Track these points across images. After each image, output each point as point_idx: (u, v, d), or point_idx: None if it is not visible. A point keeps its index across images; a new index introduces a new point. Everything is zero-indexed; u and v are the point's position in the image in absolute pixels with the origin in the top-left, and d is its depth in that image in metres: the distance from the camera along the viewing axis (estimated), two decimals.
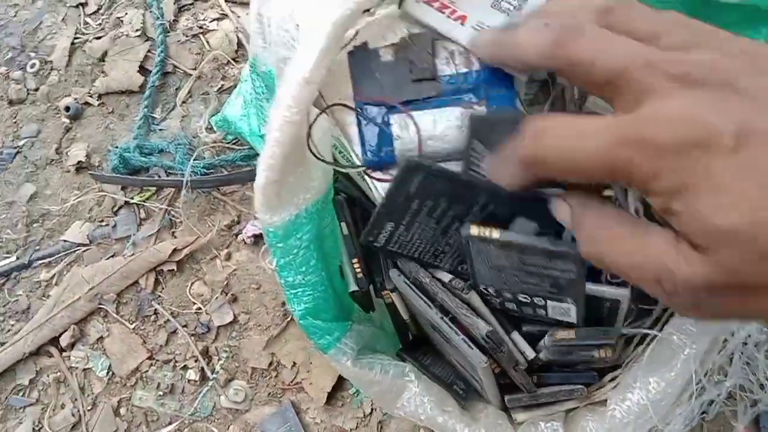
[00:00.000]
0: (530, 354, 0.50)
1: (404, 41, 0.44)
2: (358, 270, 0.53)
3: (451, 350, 0.52)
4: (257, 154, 0.74)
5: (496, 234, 0.40)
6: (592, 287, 0.44)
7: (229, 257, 0.73)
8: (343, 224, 0.53)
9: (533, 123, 0.29)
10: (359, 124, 0.44)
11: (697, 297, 0.26)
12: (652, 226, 0.28)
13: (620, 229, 0.29)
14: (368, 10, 0.50)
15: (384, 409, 0.63)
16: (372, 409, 0.67)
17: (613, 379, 0.51)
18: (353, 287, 0.52)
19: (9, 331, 0.74)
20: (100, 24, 0.82)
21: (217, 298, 0.71)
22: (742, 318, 0.27)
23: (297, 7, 0.53)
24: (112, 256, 0.74)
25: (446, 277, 0.48)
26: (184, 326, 0.71)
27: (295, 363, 0.69)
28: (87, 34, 0.82)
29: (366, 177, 0.46)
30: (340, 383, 0.68)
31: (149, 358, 0.70)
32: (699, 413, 0.49)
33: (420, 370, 0.53)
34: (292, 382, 0.69)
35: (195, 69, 0.79)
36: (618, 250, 0.29)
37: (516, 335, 0.51)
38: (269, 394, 0.69)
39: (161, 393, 0.70)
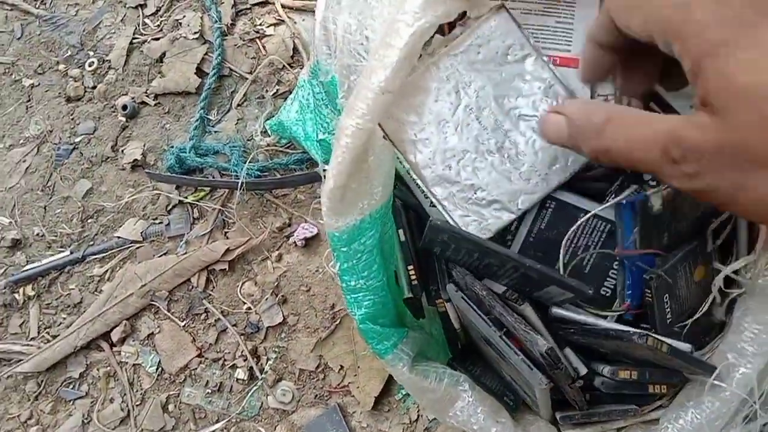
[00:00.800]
0: (582, 370, 0.50)
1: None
2: (413, 277, 0.54)
3: (504, 364, 0.53)
4: (310, 159, 0.75)
5: None
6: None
7: (279, 259, 0.73)
8: (401, 231, 0.54)
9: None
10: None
11: (702, 163, 0.27)
12: (657, 114, 0.30)
13: (628, 114, 0.31)
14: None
15: (436, 417, 0.63)
16: (418, 416, 0.67)
17: (664, 398, 0.51)
18: (407, 294, 0.53)
19: (61, 324, 0.75)
20: (158, 25, 0.84)
21: (267, 299, 0.72)
22: (733, 200, 0.28)
23: (367, 17, 0.54)
24: (165, 254, 0.75)
25: (500, 288, 0.49)
26: (234, 325, 0.72)
27: (342, 366, 0.69)
28: (145, 34, 0.84)
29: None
30: (387, 389, 0.68)
31: (198, 356, 0.71)
32: None
33: (473, 380, 0.53)
34: (339, 385, 0.69)
35: (251, 73, 0.80)
36: (625, 132, 0.31)
37: (569, 351, 0.51)
38: (316, 396, 0.69)
39: (209, 391, 0.70)
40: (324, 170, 0.70)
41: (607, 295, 0.50)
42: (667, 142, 0.28)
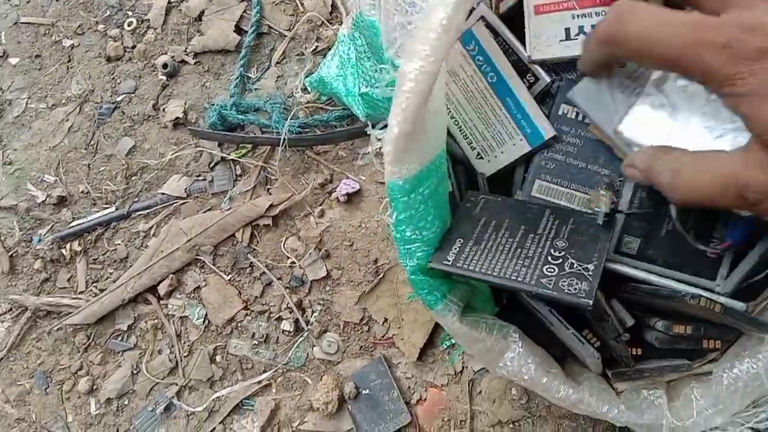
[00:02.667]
0: (629, 321, 0.51)
1: None
2: None
3: (550, 318, 0.53)
4: (351, 115, 0.75)
5: None
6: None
7: (322, 215, 0.74)
8: (448, 182, 0.54)
9: (620, 4, 0.32)
10: None
11: None
12: (711, 154, 0.32)
13: (687, 163, 0.34)
14: None
15: (486, 367, 0.64)
16: (463, 367, 0.68)
17: (717, 350, 0.51)
18: None
19: (108, 278, 0.76)
20: None
21: (310, 253, 0.73)
22: None
23: None
24: (209, 210, 0.76)
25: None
26: (279, 279, 0.73)
27: (386, 319, 0.70)
28: None
29: None
30: (431, 340, 0.69)
31: (244, 308, 0.73)
32: None
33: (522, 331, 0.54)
34: (383, 337, 0.70)
35: (290, 30, 0.80)
36: (696, 185, 0.33)
37: (616, 303, 0.51)
38: (361, 347, 0.70)
39: (256, 342, 0.72)
40: (368, 123, 0.70)
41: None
42: (737, 189, 0.30)
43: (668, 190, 0.36)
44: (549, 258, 0.46)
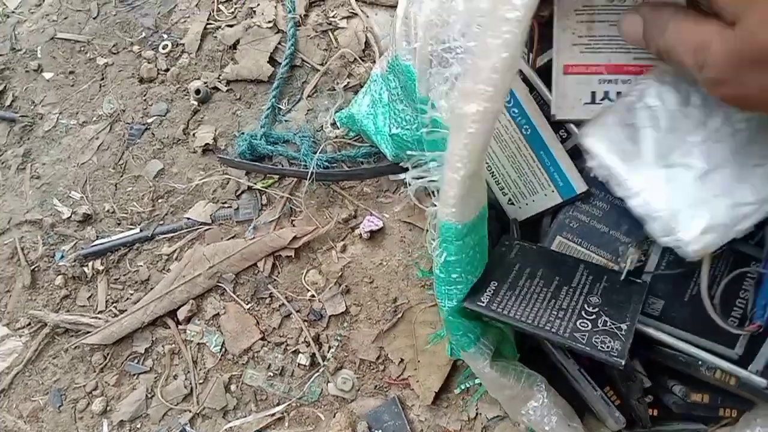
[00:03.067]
0: (647, 383, 0.51)
1: None
2: None
3: (576, 375, 0.53)
4: (378, 152, 0.76)
5: None
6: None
7: (344, 249, 0.75)
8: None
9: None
10: None
11: (724, 70, 0.30)
12: (706, 17, 0.33)
13: (681, 16, 0.35)
14: None
15: (508, 414, 0.64)
16: (477, 413, 0.68)
17: (732, 417, 0.51)
18: None
19: (128, 299, 0.77)
20: (232, 12, 0.85)
21: (330, 288, 0.73)
22: (760, 99, 0.31)
23: (450, 11, 0.54)
24: (233, 238, 0.76)
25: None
26: (298, 311, 0.73)
27: (402, 359, 0.71)
28: (219, 21, 0.85)
29: None
30: (447, 384, 0.69)
31: (262, 339, 0.73)
32: None
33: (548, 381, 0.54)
34: (398, 377, 0.70)
35: (323, 65, 0.81)
36: (674, 32, 0.34)
37: (637, 363, 0.52)
38: (376, 386, 0.71)
39: (271, 374, 0.72)
40: (400, 164, 0.71)
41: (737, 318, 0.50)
42: (697, 47, 0.32)
43: (658, 37, 0.37)
44: (583, 312, 0.47)
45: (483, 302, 0.47)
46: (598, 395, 0.50)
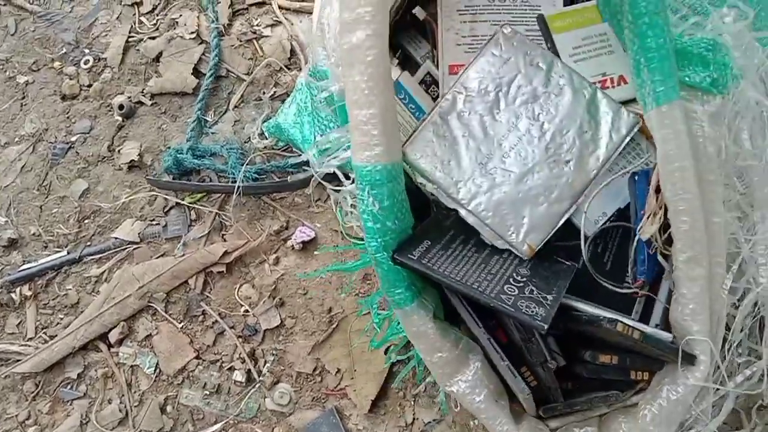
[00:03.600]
0: (561, 362, 0.51)
1: None
2: None
3: (488, 347, 0.53)
4: (307, 162, 0.75)
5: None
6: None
7: (277, 262, 0.74)
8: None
9: None
10: None
11: None
12: None
13: None
14: None
15: (438, 382, 0.62)
16: (414, 419, 0.68)
17: (644, 381, 0.51)
18: None
19: (58, 324, 0.75)
20: (154, 24, 0.83)
21: (264, 301, 0.73)
22: None
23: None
24: (162, 256, 0.75)
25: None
26: (232, 328, 0.72)
27: (339, 369, 0.70)
28: (141, 33, 0.83)
29: None
30: (384, 391, 0.69)
31: (196, 357, 0.72)
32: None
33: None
34: (336, 387, 0.70)
35: (248, 74, 0.80)
36: None
37: (551, 340, 0.52)
38: (313, 398, 0.70)
39: (207, 392, 0.71)
40: (316, 146, 0.70)
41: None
42: None
43: None
44: (511, 279, 0.47)
45: (414, 256, 0.46)
46: (506, 365, 0.50)
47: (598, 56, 0.53)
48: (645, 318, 0.51)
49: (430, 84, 0.61)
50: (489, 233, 0.48)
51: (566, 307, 0.50)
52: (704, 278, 0.44)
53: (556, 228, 0.48)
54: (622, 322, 0.45)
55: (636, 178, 0.48)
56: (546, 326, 0.43)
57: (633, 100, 0.51)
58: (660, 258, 0.48)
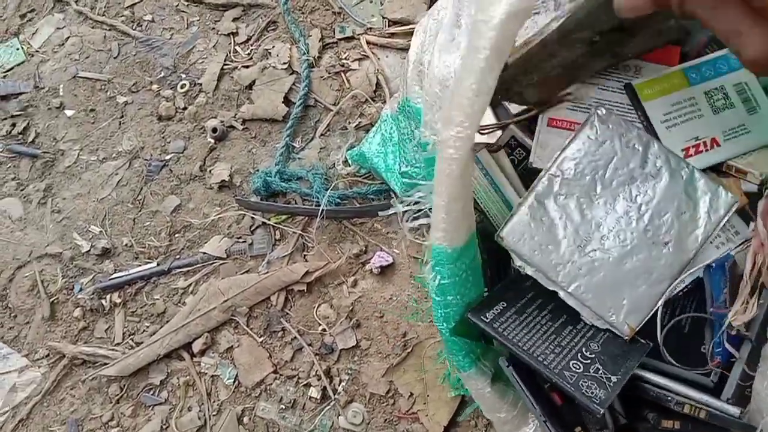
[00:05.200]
0: (622, 420, 0.52)
1: None
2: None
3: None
4: (388, 190, 0.79)
5: None
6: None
7: (355, 284, 0.77)
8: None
9: None
10: None
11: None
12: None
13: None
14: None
15: None
16: None
17: None
18: None
19: (144, 332, 0.79)
20: (248, 54, 0.89)
21: (341, 322, 0.75)
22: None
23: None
24: (247, 272, 0.79)
25: None
26: (309, 345, 0.75)
27: (412, 393, 0.72)
28: (236, 62, 0.89)
29: None
30: (455, 418, 0.71)
31: (274, 372, 0.75)
32: None
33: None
34: (408, 411, 0.72)
35: (335, 105, 0.84)
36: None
37: (616, 402, 0.53)
38: (385, 420, 0.72)
39: (283, 407, 0.74)
40: (402, 202, 0.73)
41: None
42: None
43: None
44: (579, 355, 0.48)
45: (486, 318, 0.49)
46: None
47: (689, 120, 0.54)
48: (723, 383, 0.51)
49: (515, 147, 0.63)
50: (589, 314, 0.50)
51: (634, 377, 0.51)
52: None
53: (656, 308, 0.50)
54: (689, 403, 0.47)
55: (711, 270, 0.50)
56: (602, 411, 0.44)
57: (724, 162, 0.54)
58: (728, 346, 0.48)
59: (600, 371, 0.47)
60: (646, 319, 0.50)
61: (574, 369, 0.47)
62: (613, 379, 0.47)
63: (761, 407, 0.46)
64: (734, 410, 0.48)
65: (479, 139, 0.64)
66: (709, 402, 0.48)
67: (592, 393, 0.45)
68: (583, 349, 0.49)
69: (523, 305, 0.51)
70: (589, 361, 0.48)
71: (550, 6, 0.54)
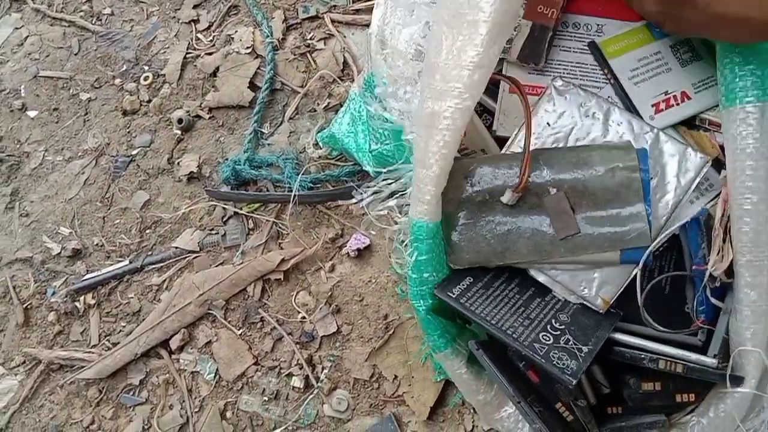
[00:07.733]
0: (605, 389, 0.51)
1: None
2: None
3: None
4: (362, 170, 0.76)
5: None
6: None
7: (333, 269, 0.75)
8: None
9: None
10: None
11: None
12: None
13: None
14: None
15: (482, 419, 0.64)
16: (473, 426, 0.68)
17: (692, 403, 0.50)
18: None
19: (120, 332, 0.77)
20: (211, 40, 0.86)
21: (321, 308, 0.73)
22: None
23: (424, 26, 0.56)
24: (221, 264, 0.77)
25: None
26: (289, 334, 0.73)
27: (396, 376, 0.71)
28: (198, 49, 0.86)
29: None
30: (442, 399, 0.69)
31: (255, 363, 0.73)
32: None
33: None
34: (393, 394, 0.70)
35: (302, 87, 0.82)
36: None
37: (596, 369, 0.51)
38: (371, 405, 0.70)
39: (266, 398, 0.72)
40: (364, 191, 0.71)
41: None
42: None
43: None
44: (548, 327, 0.47)
45: (453, 294, 0.47)
46: (538, 428, 0.50)
47: (657, 75, 0.52)
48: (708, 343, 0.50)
49: (481, 114, 0.60)
50: (561, 289, 0.48)
51: (609, 342, 0.49)
52: (764, 285, 0.43)
53: (629, 279, 0.48)
54: (663, 358, 0.45)
55: (687, 227, 0.48)
56: (575, 381, 0.42)
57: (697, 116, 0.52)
58: (714, 300, 0.47)
59: (570, 342, 0.46)
60: (620, 290, 0.48)
61: (544, 341, 0.45)
62: (584, 349, 0.45)
63: (737, 342, 0.45)
64: (711, 361, 0.46)
65: None
66: (683, 355, 0.46)
67: (564, 364, 0.44)
68: (553, 321, 0.47)
69: (489, 279, 0.50)
70: (558, 332, 0.46)
71: None
